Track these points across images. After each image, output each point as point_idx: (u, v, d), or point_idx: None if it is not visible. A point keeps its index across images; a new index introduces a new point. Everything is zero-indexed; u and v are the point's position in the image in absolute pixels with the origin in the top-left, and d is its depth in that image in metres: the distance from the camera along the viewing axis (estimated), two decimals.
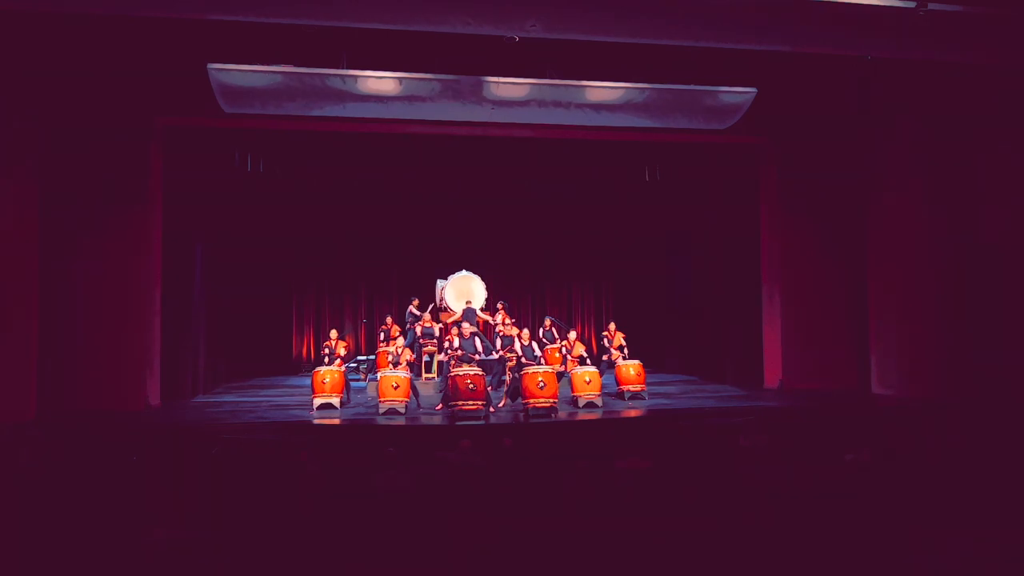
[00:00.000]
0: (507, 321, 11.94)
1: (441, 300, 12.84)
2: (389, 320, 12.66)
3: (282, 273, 15.30)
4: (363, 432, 9.23)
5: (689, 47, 8.90)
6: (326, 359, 11.33)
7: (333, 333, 11.92)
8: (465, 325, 11.11)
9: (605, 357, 11.92)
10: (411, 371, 10.84)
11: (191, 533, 4.38)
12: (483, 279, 12.89)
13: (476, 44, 8.64)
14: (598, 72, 9.44)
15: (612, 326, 12.15)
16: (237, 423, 9.41)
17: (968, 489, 4.77)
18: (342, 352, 11.59)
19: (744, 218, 12.73)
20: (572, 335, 11.67)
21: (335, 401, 10.41)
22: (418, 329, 11.95)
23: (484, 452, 6.78)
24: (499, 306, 12.52)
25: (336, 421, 9.79)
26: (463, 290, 12.55)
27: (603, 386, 10.73)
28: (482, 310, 12.71)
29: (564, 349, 11.57)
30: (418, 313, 12.50)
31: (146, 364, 10.56)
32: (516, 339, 10.77)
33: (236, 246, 13.92)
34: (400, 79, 8.98)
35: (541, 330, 12.26)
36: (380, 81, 8.98)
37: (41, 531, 4.36)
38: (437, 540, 4.33)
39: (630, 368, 11.22)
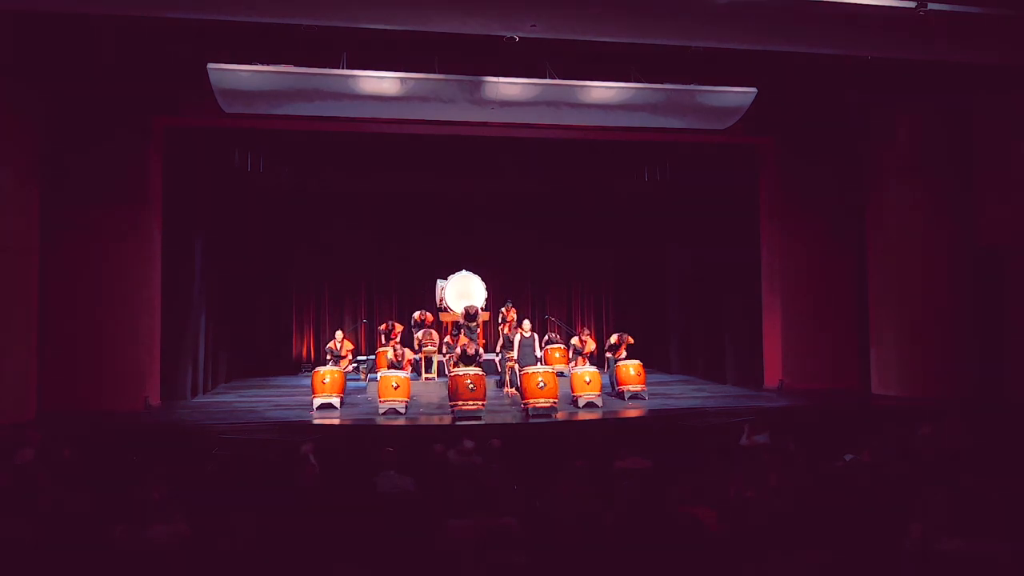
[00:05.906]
0: (511, 318, 12.03)
1: (441, 300, 12.83)
2: (391, 321, 12.73)
3: (282, 273, 15.31)
4: (363, 432, 9.23)
5: (689, 47, 8.90)
6: (329, 359, 11.30)
7: (339, 334, 11.96)
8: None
9: (609, 355, 11.86)
10: (412, 370, 10.79)
11: (191, 532, 4.39)
12: (483, 279, 12.89)
13: (476, 44, 8.63)
14: (598, 72, 9.43)
15: (626, 336, 12.00)
16: (237, 423, 9.41)
17: (967, 489, 4.77)
18: (347, 354, 11.58)
19: (744, 218, 12.73)
20: (584, 330, 11.74)
21: (335, 401, 10.41)
22: (419, 333, 11.94)
23: (484, 451, 6.80)
24: (508, 305, 12.63)
25: (336, 421, 9.79)
26: (463, 290, 12.55)
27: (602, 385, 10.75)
28: (482, 309, 12.71)
29: (576, 347, 11.57)
30: (419, 319, 12.54)
31: (146, 364, 10.57)
32: (518, 333, 10.81)
33: (236, 245, 13.94)
34: (400, 79, 8.96)
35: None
36: (380, 81, 8.95)
37: (41, 530, 4.36)
38: (435, 539, 4.33)
39: (630, 368, 11.22)
